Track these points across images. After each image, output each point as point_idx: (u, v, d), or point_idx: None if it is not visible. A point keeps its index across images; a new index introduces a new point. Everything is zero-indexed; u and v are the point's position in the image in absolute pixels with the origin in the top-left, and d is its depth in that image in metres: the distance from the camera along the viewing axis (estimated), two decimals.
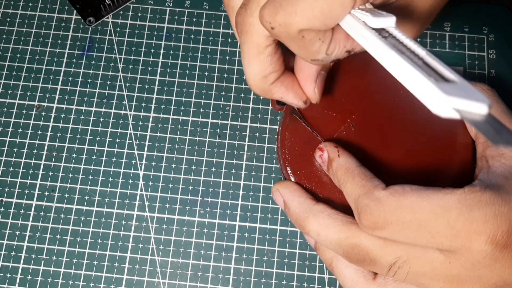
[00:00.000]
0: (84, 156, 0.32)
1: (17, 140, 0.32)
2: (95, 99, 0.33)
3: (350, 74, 0.29)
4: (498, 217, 0.21)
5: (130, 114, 0.33)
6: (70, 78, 0.33)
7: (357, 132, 0.28)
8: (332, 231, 0.25)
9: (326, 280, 0.30)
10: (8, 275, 0.30)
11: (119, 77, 0.33)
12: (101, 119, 0.32)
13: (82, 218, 0.31)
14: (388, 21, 0.19)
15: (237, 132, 0.32)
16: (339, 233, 0.25)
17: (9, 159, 0.32)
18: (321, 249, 0.27)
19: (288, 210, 0.27)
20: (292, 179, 0.28)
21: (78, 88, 0.33)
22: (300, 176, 0.28)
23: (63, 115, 0.32)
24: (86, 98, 0.33)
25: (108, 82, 0.33)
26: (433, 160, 0.28)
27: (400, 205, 0.22)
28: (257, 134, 0.32)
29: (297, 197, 0.27)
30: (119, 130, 0.32)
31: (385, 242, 0.23)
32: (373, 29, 0.19)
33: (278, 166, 0.31)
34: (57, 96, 0.33)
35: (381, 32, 0.19)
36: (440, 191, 0.22)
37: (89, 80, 0.33)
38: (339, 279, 0.27)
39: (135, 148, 0.32)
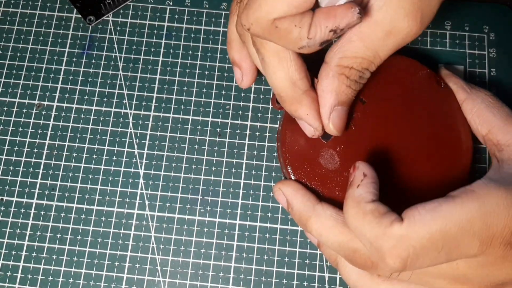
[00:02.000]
0: (84, 155, 0.32)
1: (18, 139, 0.32)
2: (96, 98, 0.33)
3: None
4: None
5: (131, 113, 0.33)
6: (71, 77, 0.33)
7: (357, 131, 0.28)
8: (333, 232, 0.24)
9: (326, 279, 0.30)
10: (9, 273, 0.30)
11: (119, 76, 0.33)
12: (102, 117, 0.32)
13: (83, 216, 0.31)
14: None
15: (238, 131, 0.32)
16: (340, 235, 0.24)
17: (9, 157, 0.32)
18: (325, 246, 0.27)
19: (291, 209, 0.27)
20: (293, 178, 0.28)
21: (78, 87, 0.33)
22: (300, 175, 0.28)
23: (63, 114, 0.32)
24: (86, 97, 0.33)
25: (109, 81, 0.33)
26: (433, 161, 0.28)
27: (430, 234, 0.21)
28: (258, 133, 0.32)
29: (300, 196, 0.26)
30: (119, 129, 0.32)
31: None
32: None
33: (278, 165, 0.31)
34: (57, 95, 0.33)
35: None
36: (455, 201, 0.22)
37: (89, 79, 0.33)
38: (343, 275, 0.26)
39: (136, 146, 0.32)
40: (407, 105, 0.28)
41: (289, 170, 0.28)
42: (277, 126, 0.32)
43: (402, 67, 0.29)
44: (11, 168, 0.31)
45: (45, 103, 0.33)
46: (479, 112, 0.27)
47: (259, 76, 0.33)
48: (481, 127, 0.27)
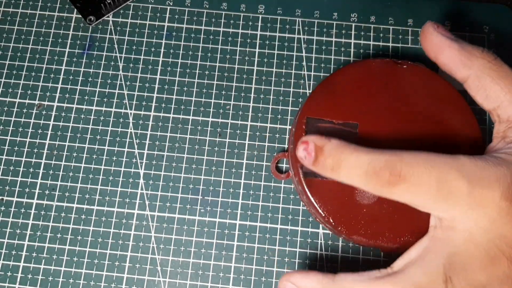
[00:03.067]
0: (84, 155, 0.32)
1: (18, 139, 0.32)
2: (96, 98, 0.33)
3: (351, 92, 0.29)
4: (508, 176, 0.22)
5: (131, 113, 0.33)
6: (71, 77, 0.33)
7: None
8: None
9: None
10: (9, 273, 0.30)
11: (119, 76, 0.33)
12: (102, 118, 0.32)
13: (83, 216, 0.31)
14: None
15: (238, 131, 0.32)
16: None
17: (9, 158, 0.32)
18: None
19: None
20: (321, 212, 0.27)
21: (78, 87, 0.33)
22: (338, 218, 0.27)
23: (63, 114, 0.32)
24: (86, 97, 0.33)
25: (109, 81, 0.33)
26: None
27: (416, 159, 0.22)
28: (258, 133, 0.32)
29: (314, 276, 0.25)
30: (119, 129, 0.32)
31: None
32: None
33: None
34: (57, 95, 0.33)
35: None
36: (447, 155, 0.23)
37: (90, 79, 0.33)
38: None
39: (136, 147, 0.32)
40: (402, 107, 0.28)
41: (331, 220, 0.27)
42: (277, 126, 0.32)
43: (369, 73, 0.29)
44: (11, 168, 0.32)
45: (45, 103, 0.33)
46: (484, 87, 0.25)
47: (258, 76, 0.33)
48: (487, 102, 0.25)
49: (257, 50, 0.33)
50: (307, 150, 0.25)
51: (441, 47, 0.26)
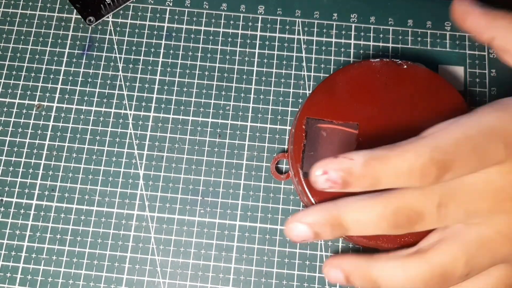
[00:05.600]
0: (84, 156, 0.32)
1: (17, 139, 0.32)
2: (95, 99, 0.33)
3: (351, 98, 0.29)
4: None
5: (130, 114, 0.32)
6: (70, 78, 0.33)
7: (365, 141, 0.28)
8: (399, 271, 0.24)
9: (327, 280, 0.30)
10: (8, 274, 0.30)
11: (119, 77, 0.33)
12: (101, 118, 0.32)
13: (82, 217, 0.31)
14: None
15: (238, 132, 0.32)
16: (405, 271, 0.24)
17: (9, 158, 0.32)
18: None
19: (353, 278, 0.24)
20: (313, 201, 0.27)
21: (78, 88, 0.33)
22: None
23: (63, 115, 0.32)
24: (86, 98, 0.33)
25: (108, 82, 0.33)
26: None
27: (456, 139, 0.22)
28: (258, 134, 0.32)
29: (355, 259, 0.25)
30: (119, 130, 0.32)
31: None
32: None
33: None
34: (57, 95, 0.33)
35: None
36: (474, 112, 0.23)
37: (89, 80, 0.33)
38: None
39: (135, 147, 0.32)
40: (402, 108, 0.28)
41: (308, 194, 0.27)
42: (277, 126, 0.32)
43: (370, 71, 0.29)
44: (11, 169, 0.31)
45: (45, 103, 0.33)
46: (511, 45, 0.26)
47: (258, 77, 0.33)
48: None
49: (257, 50, 0.33)
50: (331, 180, 0.22)
51: (465, 14, 0.27)
